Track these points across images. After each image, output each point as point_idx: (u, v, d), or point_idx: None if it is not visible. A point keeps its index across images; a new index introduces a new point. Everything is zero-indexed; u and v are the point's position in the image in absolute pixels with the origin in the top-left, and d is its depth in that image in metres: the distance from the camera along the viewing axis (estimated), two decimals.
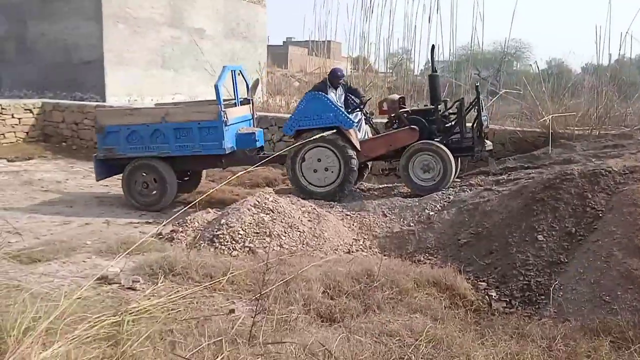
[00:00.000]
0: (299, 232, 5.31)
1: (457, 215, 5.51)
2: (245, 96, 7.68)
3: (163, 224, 5.45)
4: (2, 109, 10.53)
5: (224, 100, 7.01)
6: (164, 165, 6.94)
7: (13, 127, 10.71)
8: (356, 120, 6.90)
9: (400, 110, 6.86)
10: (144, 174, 6.95)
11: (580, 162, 6.13)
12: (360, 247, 5.37)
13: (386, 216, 5.85)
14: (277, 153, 7.02)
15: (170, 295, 3.83)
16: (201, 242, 5.21)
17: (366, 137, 7.06)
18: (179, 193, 7.37)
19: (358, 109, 7.10)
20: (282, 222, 5.37)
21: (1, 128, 10.46)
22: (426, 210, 5.77)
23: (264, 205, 5.56)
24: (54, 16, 13.15)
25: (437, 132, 6.64)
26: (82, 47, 12.96)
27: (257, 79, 7.98)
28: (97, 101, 12.22)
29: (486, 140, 6.67)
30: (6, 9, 13.64)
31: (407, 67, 14.02)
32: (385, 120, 7.31)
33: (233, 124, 7.02)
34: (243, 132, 7.16)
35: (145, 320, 3.37)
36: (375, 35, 21.95)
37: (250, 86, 7.61)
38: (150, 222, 6.35)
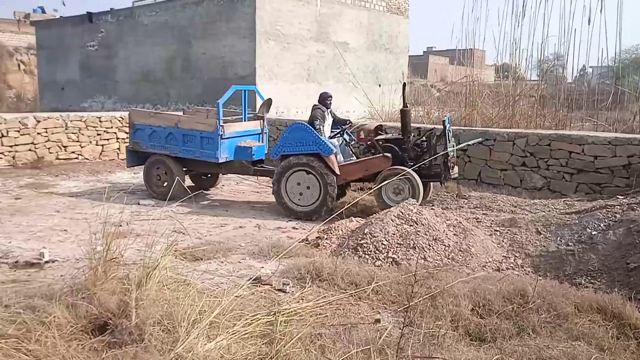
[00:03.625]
0: (444, 246, 5.16)
1: (625, 237, 4.93)
2: (257, 113, 8.66)
3: (310, 230, 5.64)
4: None
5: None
6: (174, 163, 8.02)
7: None
8: (338, 144, 7.50)
9: (375, 139, 7.40)
10: (158, 168, 8.11)
11: None
12: (511, 265, 5.06)
13: (540, 234, 5.45)
14: (270, 168, 7.81)
15: (317, 300, 3.95)
16: (345, 250, 5.29)
17: (350, 159, 7.59)
18: (200, 189, 8.27)
19: (339, 134, 7.65)
20: (426, 234, 5.27)
21: None
22: (587, 230, 5.26)
23: (407, 216, 5.51)
24: (214, 36, 14.43)
25: (408, 159, 7.19)
26: (237, 63, 14.03)
27: (270, 99, 8.66)
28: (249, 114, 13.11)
29: (452, 169, 7.17)
30: (176, 31, 15.29)
31: (563, 74, 12.98)
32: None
33: (231, 137, 7.84)
34: (241, 145, 7.96)
35: (295, 322, 3.52)
36: (527, 41, 20.70)
37: (263, 103, 8.49)
38: (296, 228, 6.64)
